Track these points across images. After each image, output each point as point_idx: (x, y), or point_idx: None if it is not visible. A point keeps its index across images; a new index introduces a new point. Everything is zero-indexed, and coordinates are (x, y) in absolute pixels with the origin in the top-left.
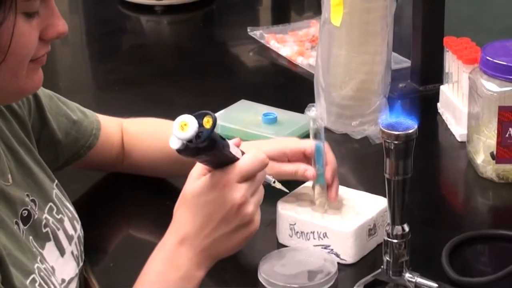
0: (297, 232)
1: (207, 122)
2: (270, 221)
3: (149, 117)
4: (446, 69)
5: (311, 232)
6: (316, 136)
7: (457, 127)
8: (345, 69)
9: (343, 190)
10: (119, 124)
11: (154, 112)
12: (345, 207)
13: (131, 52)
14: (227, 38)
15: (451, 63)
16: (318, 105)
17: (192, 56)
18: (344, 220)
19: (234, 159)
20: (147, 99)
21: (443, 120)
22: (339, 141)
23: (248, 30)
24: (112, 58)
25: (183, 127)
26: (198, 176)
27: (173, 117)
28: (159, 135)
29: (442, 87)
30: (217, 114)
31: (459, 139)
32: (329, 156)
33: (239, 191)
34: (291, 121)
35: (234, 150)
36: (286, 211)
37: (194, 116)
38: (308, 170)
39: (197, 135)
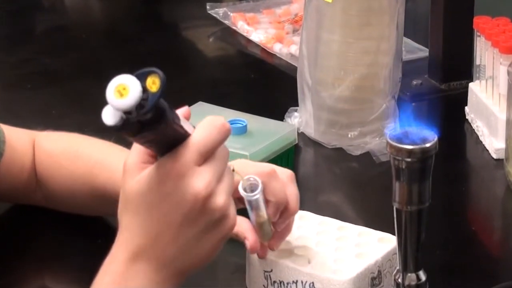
0: (274, 282)
1: (152, 83)
2: (237, 266)
3: (74, 125)
4: (477, 61)
5: (293, 281)
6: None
7: (492, 139)
8: (339, 61)
9: (337, 225)
10: (31, 138)
11: (80, 119)
12: (340, 247)
13: (48, 37)
14: (179, 18)
15: (484, 52)
16: (302, 110)
17: (130, 42)
18: (338, 266)
19: (186, 136)
20: (70, 101)
21: (473, 129)
22: (331, 158)
23: (208, 7)
24: (23, 45)
25: (121, 92)
26: (138, 166)
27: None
28: (82, 159)
29: (471, 85)
30: None
31: (494, 156)
32: (274, 189)
33: (201, 178)
34: (265, 132)
35: (185, 125)
36: None
37: (135, 76)
38: (248, 237)
39: (140, 104)
